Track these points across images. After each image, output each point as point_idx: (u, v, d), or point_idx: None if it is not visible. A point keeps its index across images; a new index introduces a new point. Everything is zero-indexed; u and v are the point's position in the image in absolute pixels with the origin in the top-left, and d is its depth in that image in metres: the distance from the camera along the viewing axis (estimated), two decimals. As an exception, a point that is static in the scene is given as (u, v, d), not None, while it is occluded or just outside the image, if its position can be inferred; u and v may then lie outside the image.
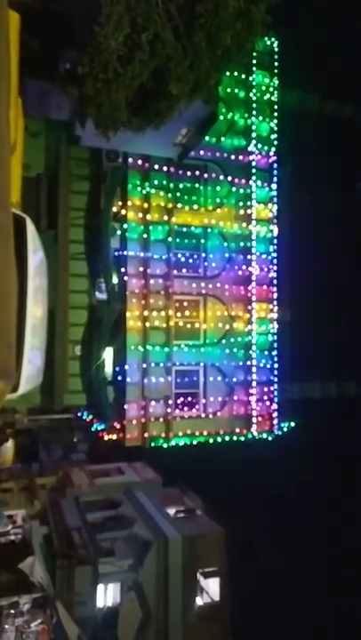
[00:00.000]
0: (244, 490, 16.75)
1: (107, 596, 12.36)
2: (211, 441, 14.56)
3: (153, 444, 13.93)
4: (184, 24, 7.22)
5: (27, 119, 8.75)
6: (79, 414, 14.48)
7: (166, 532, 13.09)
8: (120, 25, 6.98)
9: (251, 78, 15.25)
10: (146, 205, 14.02)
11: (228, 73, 13.40)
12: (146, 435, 13.75)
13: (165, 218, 14.22)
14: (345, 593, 17.92)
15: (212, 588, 13.68)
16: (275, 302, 15.42)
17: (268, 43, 15.48)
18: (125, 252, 13.90)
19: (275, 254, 15.46)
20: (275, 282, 15.41)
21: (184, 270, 14.58)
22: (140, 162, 13.90)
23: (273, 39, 15.50)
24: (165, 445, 14.05)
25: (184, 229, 14.67)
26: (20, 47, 6.80)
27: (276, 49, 15.65)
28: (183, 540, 13.08)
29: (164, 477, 15.60)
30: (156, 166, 13.99)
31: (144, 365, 13.81)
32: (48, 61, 9.76)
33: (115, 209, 13.86)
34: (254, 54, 14.71)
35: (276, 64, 15.64)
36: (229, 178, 15.12)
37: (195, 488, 15.66)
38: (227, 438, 14.72)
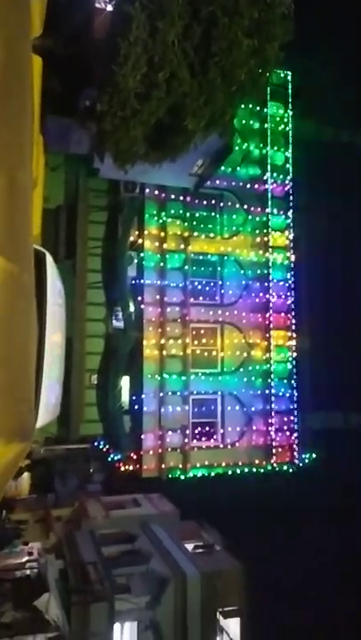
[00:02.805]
0: (262, 524, 16.20)
1: (123, 635, 11.90)
2: (229, 472, 14.22)
3: (170, 476, 13.66)
4: (199, 62, 7.42)
5: (47, 154, 9.01)
6: (95, 444, 14.33)
7: (184, 569, 12.64)
8: (138, 64, 7.22)
9: (265, 110, 15.55)
10: (162, 234, 14.17)
11: (242, 105, 13.67)
12: (163, 466, 13.51)
13: (182, 246, 14.33)
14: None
15: (232, 628, 13.07)
16: (293, 329, 15.26)
17: (282, 75, 15.83)
18: (142, 281, 13.99)
19: (292, 281, 15.40)
20: (293, 309, 15.29)
21: (201, 298, 14.59)
22: (156, 192, 14.12)
23: (286, 71, 15.86)
24: (183, 477, 13.76)
25: (200, 257, 14.74)
26: (41, 87, 7.06)
27: (290, 81, 15.98)
28: (202, 577, 12.60)
29: (182, 510, 15.19)
30: (173, 196, 14.20)
31: (161, 394, 13.68)
32: (68, 99, 10.11)
33: (132, 238, 14.04)
34: (268, 87, 15.00)
35: (289, 95, 15.95)
36: (245, 206, 15.24)
37: (212, 521, 15.19)
38: (246, 470, 14.36)
